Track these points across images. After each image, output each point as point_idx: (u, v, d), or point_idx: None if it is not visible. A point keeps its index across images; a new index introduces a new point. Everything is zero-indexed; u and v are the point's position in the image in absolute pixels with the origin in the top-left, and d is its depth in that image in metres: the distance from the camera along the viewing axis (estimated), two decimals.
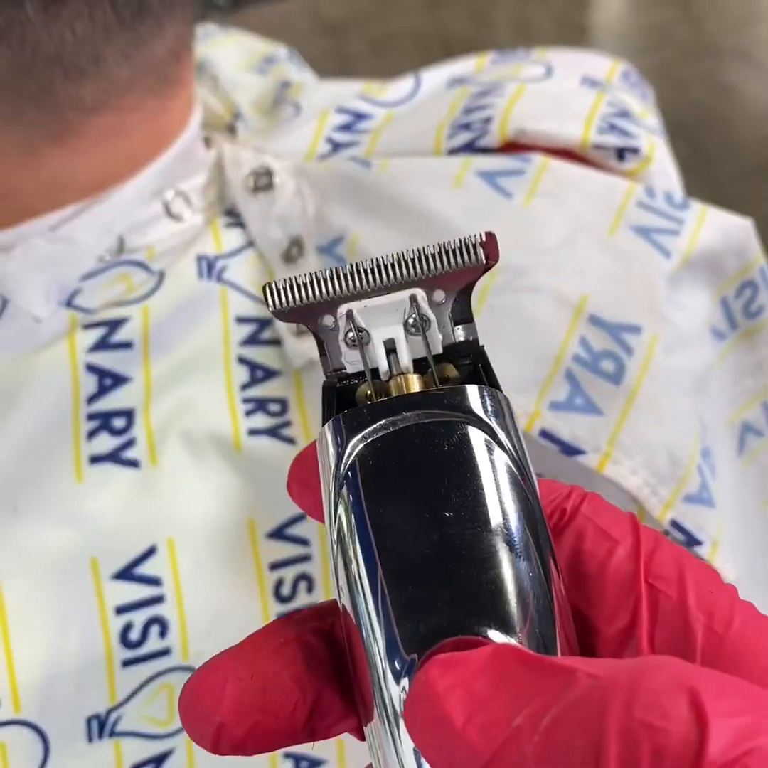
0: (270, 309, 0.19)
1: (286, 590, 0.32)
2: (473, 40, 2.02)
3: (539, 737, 0.14)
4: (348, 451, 0.17)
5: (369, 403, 0.19)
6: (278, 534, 0.32)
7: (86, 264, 0.35)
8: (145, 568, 0.33)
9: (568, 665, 0.14)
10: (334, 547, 0.17)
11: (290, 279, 0.19)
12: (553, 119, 0.39)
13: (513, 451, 0.17)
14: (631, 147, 0.39)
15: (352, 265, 0.19)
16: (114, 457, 0.33)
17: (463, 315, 0.19)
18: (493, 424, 0.17)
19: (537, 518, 0.17)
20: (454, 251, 0.18)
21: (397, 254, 0.18)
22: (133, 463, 0.33)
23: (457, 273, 0.18)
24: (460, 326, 0.20)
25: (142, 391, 0.33)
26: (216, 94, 0.43)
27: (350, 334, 0.19)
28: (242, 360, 0.34)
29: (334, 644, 0.18)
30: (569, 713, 0.14)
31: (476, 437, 0.17)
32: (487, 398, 0.18)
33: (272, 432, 0.33)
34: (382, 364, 0.19)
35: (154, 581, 0.32)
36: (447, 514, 0.17)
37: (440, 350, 0.19)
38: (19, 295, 0.34)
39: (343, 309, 0.19)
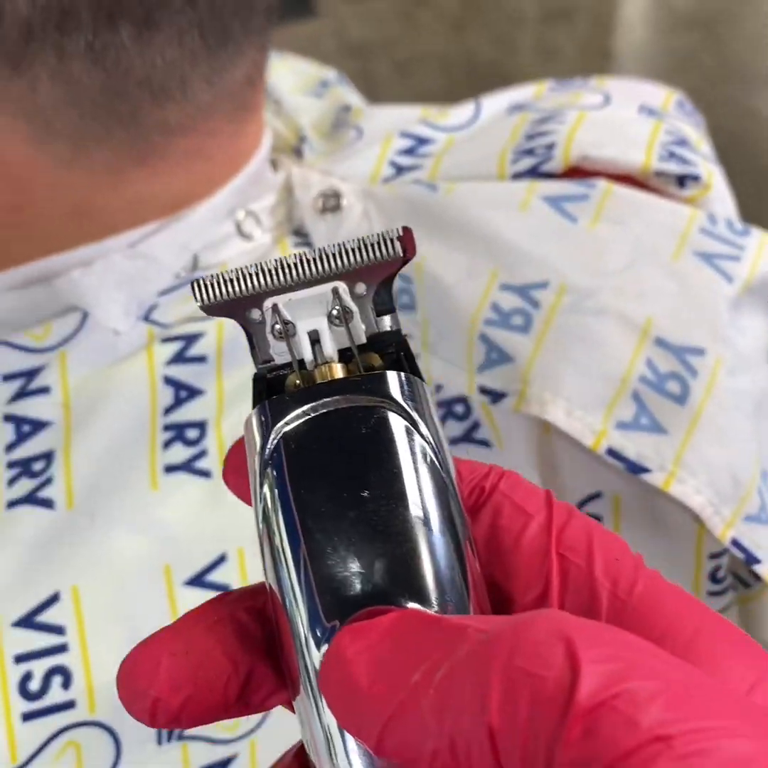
0: (198, 304, 0.19)
1: None
2: (498, 63, 2.04)
3: (434, 690, 0.15)
4: (272, 434, 0.18)
5: (294, 390, 0.19)
6: None
7: (164, 280, 0.36)
8: (216, 575, 0.34)
9: (462, 623, 0.15)
10: (260, 525, 0.18)
11: (218, 275, 0.19)
12: (615, 146, 0.40)
13: (429, 434, 0.18)
14: (692, 174, 0.40)
15: (276, 261, 0.19)
16: (187, 467, 0.34)
17: (386, 306, 0.20)
18: (410, 408, 0.18)
19: (451, 495, 0.18)
20: (372, 245, 0.19)
21: (319, 249, 0.19)
22: (205, 473, 0.34)
23: (376, 266, 0.19)
24: (385, 317, 0.20)
25: (215, 403, 0.34)
26: (279, 117, 0.45)
27: (277, 327, 0.19)
28: None
29: (266, 621, 0.19)
30: (460, 666, 0.15)
31: (393, 420, 0.18)
32: (404, 384, 0.18)
33: None
34: (307, 355, 0.19)
35: (224, 588, 0.33)
36: (365, 493, 0.17)
37: (363, 340, 0.20)
38: (98, 309, 0.35)
39: (268, 302, 0.19)
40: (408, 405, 0.18)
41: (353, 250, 0.19)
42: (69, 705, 0.33)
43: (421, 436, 0.18)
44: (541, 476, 0.36)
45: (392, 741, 0.15)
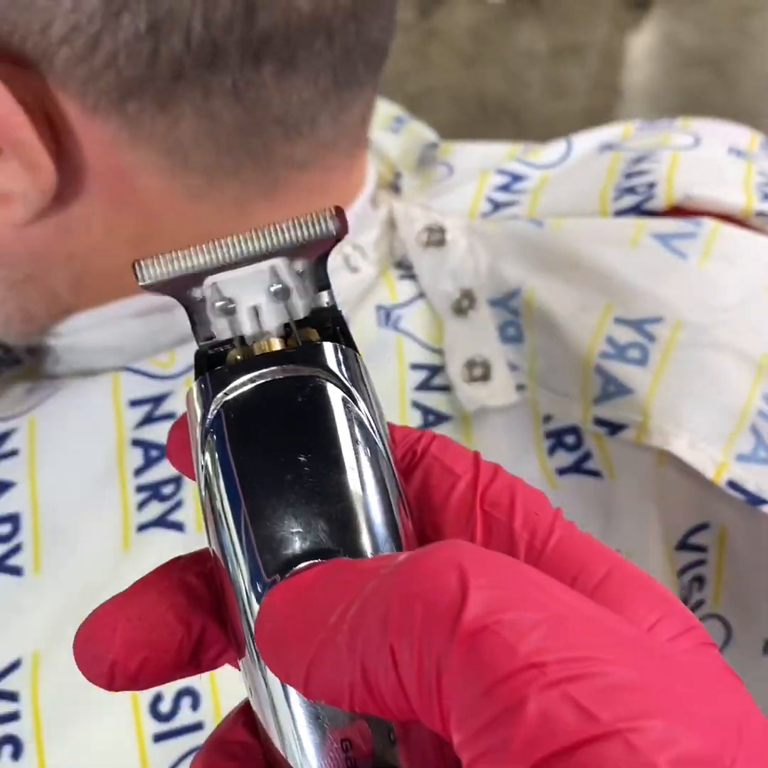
0: (140, 283, 0.19)
1: None
2: (508, 98, 2.07)
3: (347, 626, 0.16)
4: (213, 404, 0.19)
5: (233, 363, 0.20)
6: None
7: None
8: None
9: (375, 564, 0.17)
10: (202, 493, 0.19)
11: (158, 255, 0.20)
12: (715, 186, 0.41)
13: (362, 401, 0.19)
14: None
15: (214, 241, 0.20)
16: None
17: (323, 282, 0.21)
18: (344, 377, 0.19)
19: (383, 457, 0.19)
20: (306, 223, 0.20)
21: (255, 229, 0.20)
22: None
23: (311, 243, 0.20)
24: (323, 293, 0.21)
25: None
26: (372, 153, 0.46)
27: (218, 304, 0.20)
28: (416, 404, 0.36)
29: (213, 585, 0.20)
30: (368, 600, 0.16)
31: (328, 388, 0.19)
32: (339, 354, 0.19)
33: None
34: (247, 330, 0.20)
35: None
36: (301, 457, 0.18)
37: (301, 315, 0.21)
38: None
39: (209, 281, 0.20)
40: (342, 374, 0.19)
41: (288, 227, 0.20)
42: (197, 726, 0.33)
43: (355, 402, 0.19)
44: (652, 506, 0.36)
45: (316, 682, 0.16)
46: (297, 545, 0.18)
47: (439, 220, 0.39)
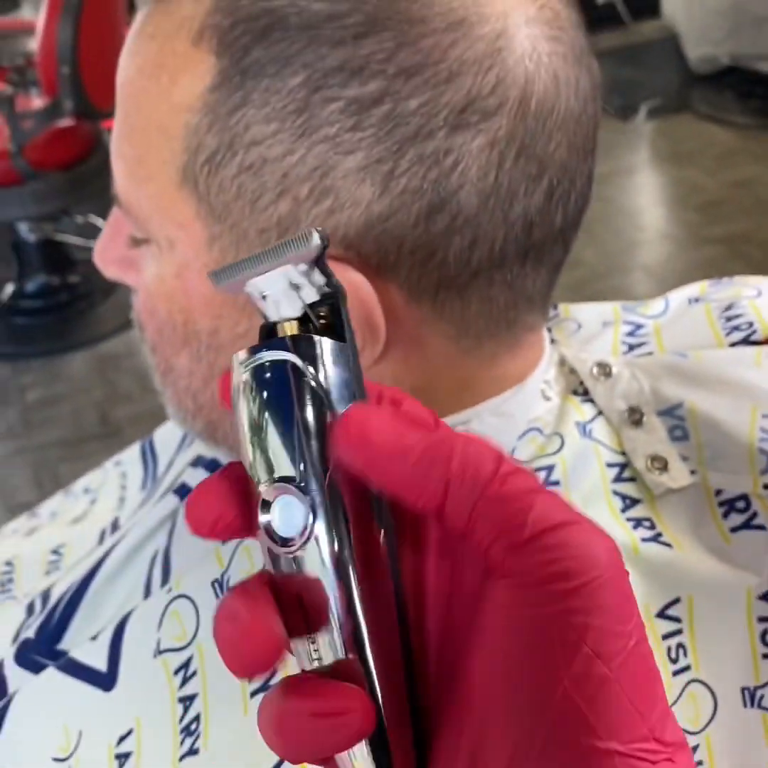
0: (216, 287, 0.28)
1: (673, 654, 0.41)
2: None
3: (421, 449, 0.25)
4: (238, 372, 0.27)
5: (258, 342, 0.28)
6: (662, 614, 0.41)
7: (518, 429, 0.46)
8: None
9: (427, 415, 0.27)
10: (239, 430, 0.27)
11: (218, 270, 0.28)
12: None
13: (312, 369, 0.27)
14: None
15: (251, 255, 0.28)
16: None
17: (327, 275, 0.28)
18: (303, 362, 0.27)
19: (324, 403, 0.27)
20: (294, 242, 0.27)
21: (266, 249, 0.28)
22: None
23: (304, 255, 0.27)
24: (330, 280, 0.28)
25: None
26: None
27: (259, 297, 0.29)
28: (615, 493, 0.45)
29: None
30: (434, 446, 0.25)
31: (287, 366, 0.27)
32: (299, 344, 0.27)
33: (654, 540, 0.43)
34: (274, 316, 0.29)
35: None
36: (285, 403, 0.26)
37: (312, 299, 0.28)
38: None
39: (251, 283, 0.28)
40: (303, 359, 0.27)
41: (284, 246, 0.27)
42: None
43: (305, 372, 0.26)
44: None
45: (386, 474, 0.25)
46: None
47: (605, 358, 0.49)
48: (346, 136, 0.37)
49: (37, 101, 2.57)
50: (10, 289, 2.72)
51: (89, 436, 2.22)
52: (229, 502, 0.27)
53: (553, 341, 0.52)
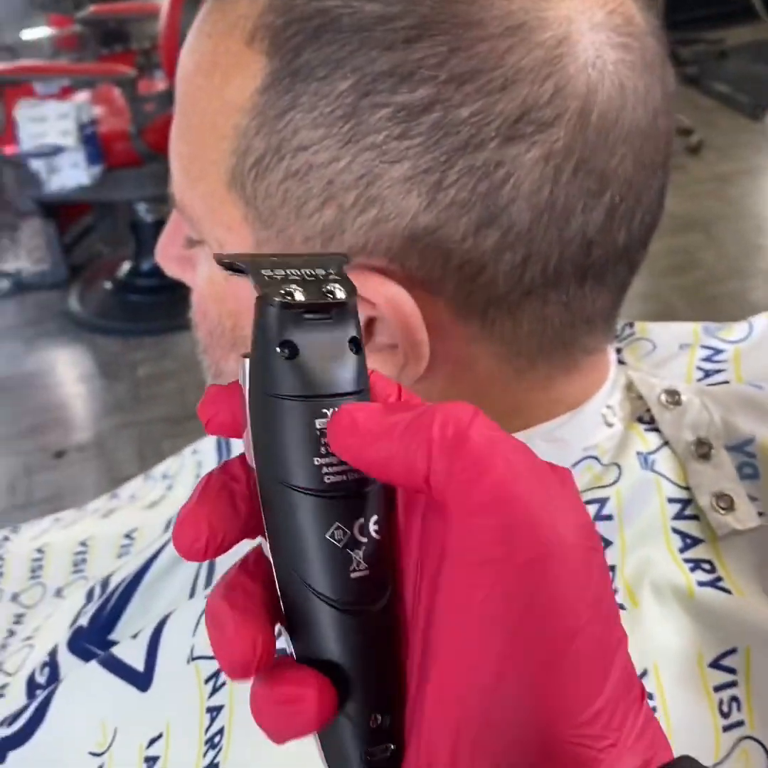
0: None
1: (725, 708, 0.38)
2: None
3: (403, 426, 0.25)
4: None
5: None
6: (715, 664, 0.39)
7: (573, 457, 0.44)
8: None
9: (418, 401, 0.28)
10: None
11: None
12: None
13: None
14: None
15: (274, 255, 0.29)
16: None
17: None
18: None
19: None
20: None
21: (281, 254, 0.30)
22: (622, 607, 0.40)
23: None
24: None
25: (619, 552, 0.41)
26: None
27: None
28: (675, 530, 0.43)
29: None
30: (418, 416, 0.25)
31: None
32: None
33: (712, 584, 0.41)
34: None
35: (649, 696, 0.38)
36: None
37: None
38: None
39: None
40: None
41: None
42: None
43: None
44: None
45: (371, 455, 0.25)
46: None
47: (674, 385, 0.47)
48: (393, 144, 0.35)
49: (159, 84, 2.64)
50: (126, 267, 2.80)
51: (192, 415, 2.24)
52: (214, 523, 0.27)
53: (622, 362, 0.49)
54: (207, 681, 0.43)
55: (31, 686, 0.54)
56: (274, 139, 0.37)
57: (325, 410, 0.27)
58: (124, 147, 2.39)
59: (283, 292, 0.27)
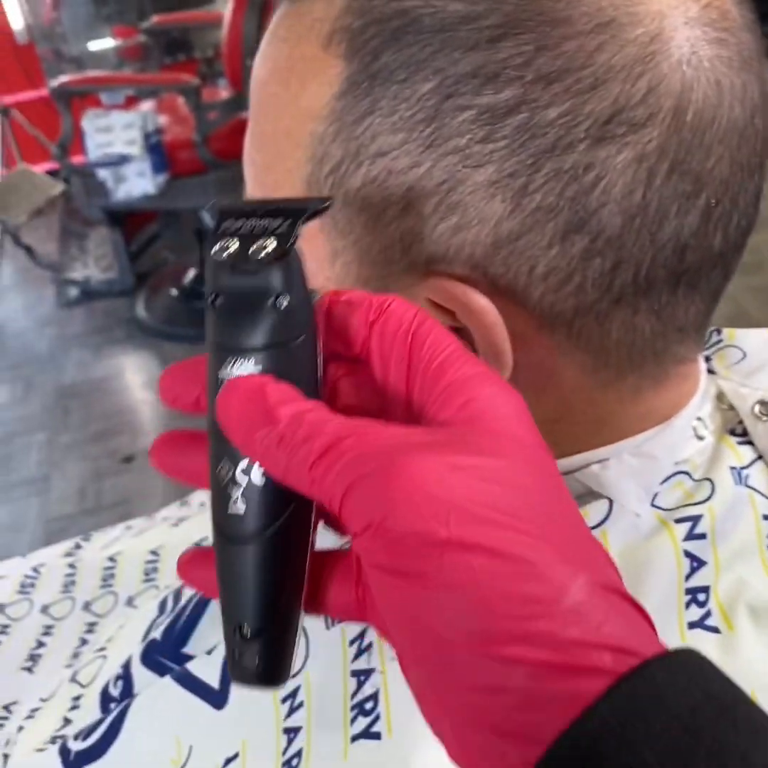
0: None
1: None
2: None
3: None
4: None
5: None
6: None
7: (663, 473, 0.42)
8: None
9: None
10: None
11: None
12: None
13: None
14: None
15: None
16: (700, 624, 0.38)
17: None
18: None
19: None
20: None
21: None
22: (716, 630, 0.38)
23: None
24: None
25: (713, 571, 0.40)
26: None
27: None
28: None
29: None
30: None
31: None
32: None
33: None
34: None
35: None
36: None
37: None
38: (620, 496, 0.41)
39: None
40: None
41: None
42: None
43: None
44: None
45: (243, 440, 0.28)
46: None
47: None
48: (476, 147, 0.34)
49: (222, 92, 2.66)
50: (191, 274, 2.83)
51: None
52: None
53: (711, 372, 0.47)
54: (284, 701, 0.42)
55: (106, 699, 0.54)
56: (352, 146, 0.36)
57: (230, 359, 0.28)
58: (189, 155, 2.42)
59: (220, 246, 0.29)
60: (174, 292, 2.84)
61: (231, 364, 0.28)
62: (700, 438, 0.43)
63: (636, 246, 0.35)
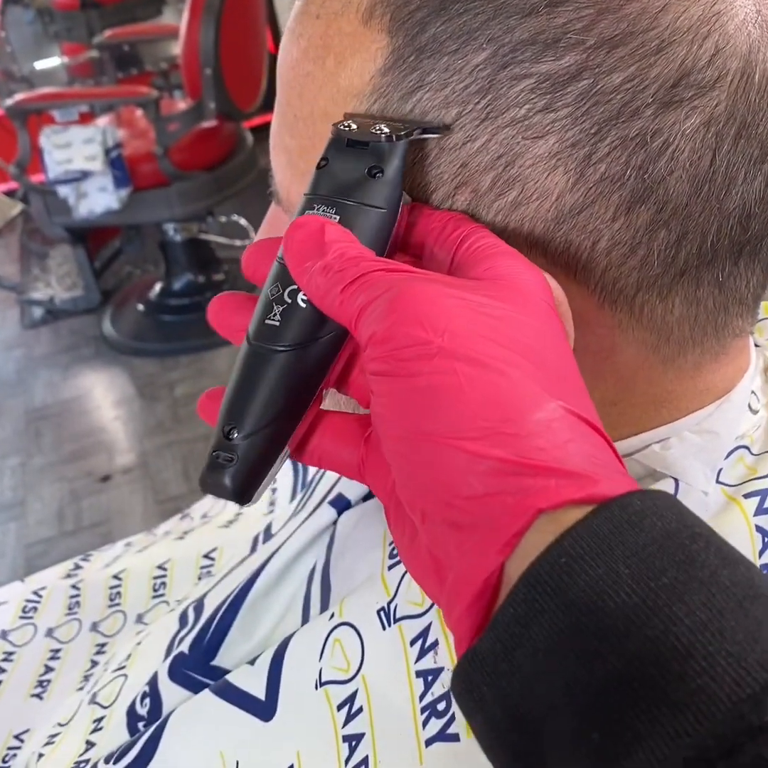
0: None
1: None
2: None
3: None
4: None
5: None
6: None
7: (726, 449, 0.41)
8: None
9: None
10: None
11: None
12: None
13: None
14: None
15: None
16: None
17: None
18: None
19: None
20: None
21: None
22: None
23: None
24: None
25: None
26: None
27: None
28: None
29: None
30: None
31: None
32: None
33: None
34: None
35: None
36: None
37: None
38: (686, 475, 0.40)
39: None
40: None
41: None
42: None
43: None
44: None
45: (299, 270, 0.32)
46: None
47: None
48: (536, 117, 0.32)
49: (181, 104, 2.64)
50: (158, 287, 2.80)
51: None
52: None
53: (756, 345, 0.46)
54: (339, 707, 0.41)
55: (133, 718, 0.52)
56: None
57: (315, 205, 0.33)
58: (150, 168, 2.39)
59: (342, 125, 0.34)
60: (140, 307, 2.81)
61: (313, 209, 0.33)
62: (754, 411, 0.42)
63: (703, 215, 0.34)
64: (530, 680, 0.23)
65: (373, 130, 0.33)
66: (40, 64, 3.84)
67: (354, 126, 0.33)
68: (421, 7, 0.34)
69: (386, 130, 0.33)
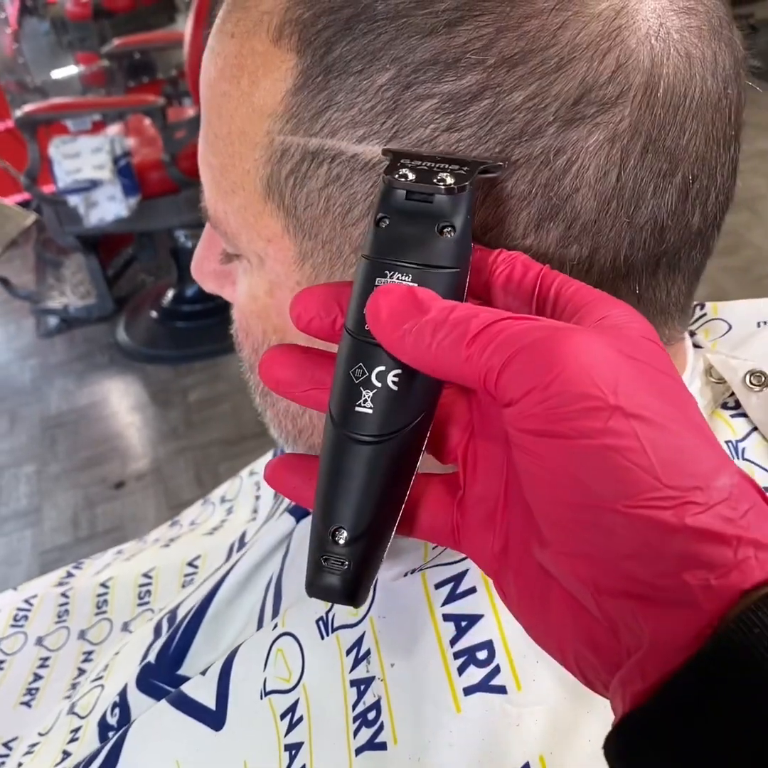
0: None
1: None
2: None
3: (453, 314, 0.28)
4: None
5: None
6: None
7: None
8: None
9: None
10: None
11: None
12: None
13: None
14: None
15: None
16: None
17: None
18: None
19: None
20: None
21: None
22: None
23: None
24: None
25: None
26: None
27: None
28: None
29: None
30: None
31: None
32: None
33: None
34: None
35: None
36: None
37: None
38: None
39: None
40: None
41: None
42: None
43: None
44: None
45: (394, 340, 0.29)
46: None
47: (759, 366, 0.43)
48: (441, 137, 0.33)
49: (190, 110, 2.65)
50: (170, 294, 2.82)
51: (248, 435, 2.27)
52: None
53: (697, 346, 0.46)
54: (283, 716, 0.41)
55: (103, 728, 0.52)
56: (311, 143, 0.35)
57: (387, 272, 0.30)
58: (159, 175, 2.41)
59: (397, 175, 0.31)
60: (154, 314, 2.83)
61: (387, 276, 0.30)
62: None
63: (613, 230, 0.34)
64: None
65: (436, 182, 0.30)
66: (55, 74, 3.88)
67: (411, 175, 0.31)
68: (327, 26, 0.34)
69: (449, 179, 0.30)
